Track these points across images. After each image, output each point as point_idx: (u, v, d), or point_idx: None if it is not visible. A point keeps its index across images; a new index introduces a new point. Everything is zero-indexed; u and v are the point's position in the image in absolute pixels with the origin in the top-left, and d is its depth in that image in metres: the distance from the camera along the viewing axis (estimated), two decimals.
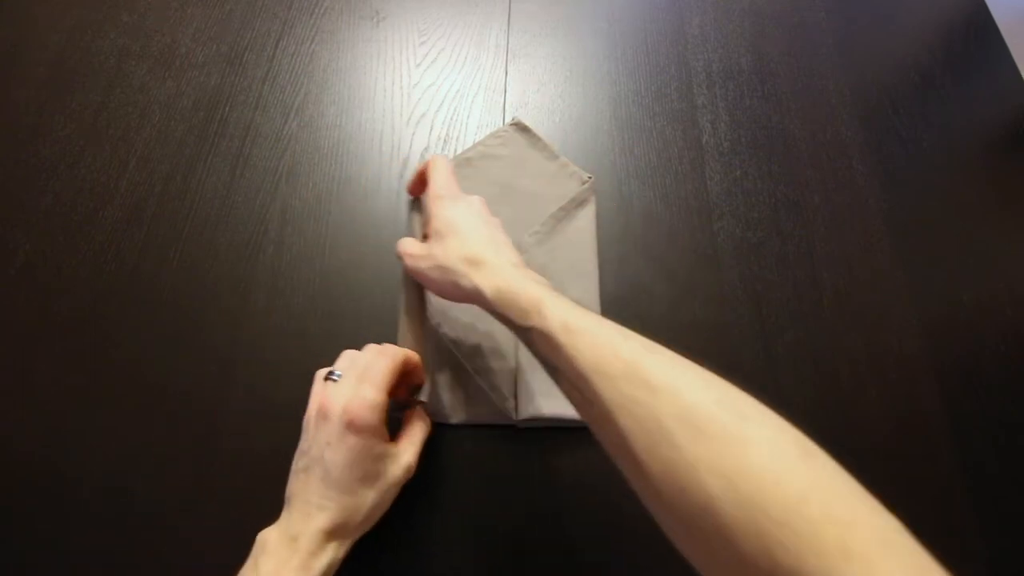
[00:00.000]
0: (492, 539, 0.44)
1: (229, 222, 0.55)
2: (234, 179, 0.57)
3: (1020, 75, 0.67)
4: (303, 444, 0.37)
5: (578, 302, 0.51)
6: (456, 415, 0.47)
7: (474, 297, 0.36)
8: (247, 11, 0.67)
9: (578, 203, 0.56)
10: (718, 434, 0.24)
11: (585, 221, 0.55)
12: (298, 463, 0.36)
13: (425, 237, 0.42)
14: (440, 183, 0.43)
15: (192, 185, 0.56)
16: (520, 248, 0.52)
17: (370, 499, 0.35)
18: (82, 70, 0.62)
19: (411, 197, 0.55)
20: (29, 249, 0.53)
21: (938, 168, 0.61)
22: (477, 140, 0.60)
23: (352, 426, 0.34)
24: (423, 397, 0.42)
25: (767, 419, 0.26)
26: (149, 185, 0.56)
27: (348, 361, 0.39)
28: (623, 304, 0.52)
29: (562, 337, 0.30)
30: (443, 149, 0.59)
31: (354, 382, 0.36)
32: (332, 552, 0.33)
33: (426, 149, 0.59)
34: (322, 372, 0.39)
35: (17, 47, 0.63)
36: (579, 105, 0.63)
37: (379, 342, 0.40)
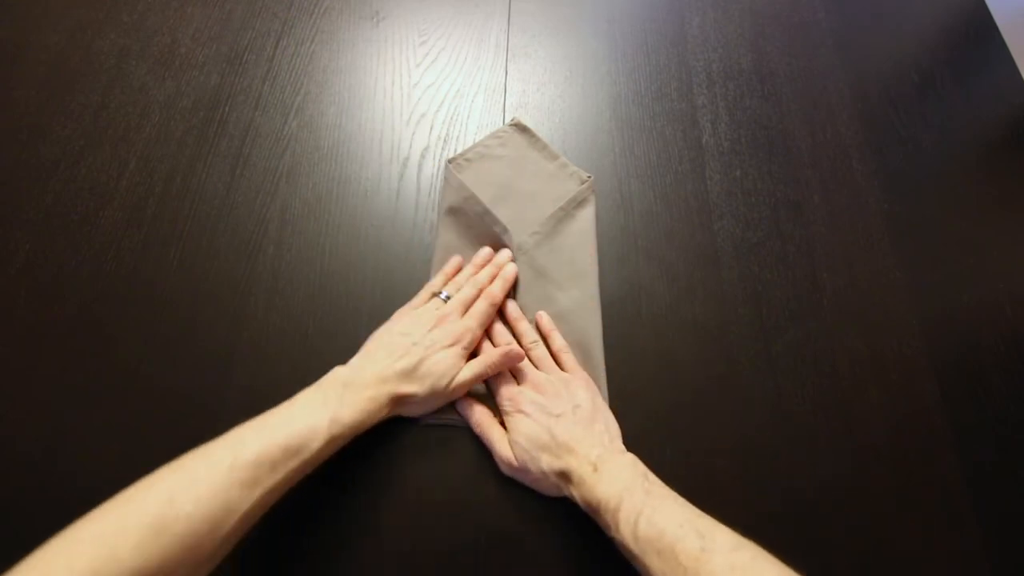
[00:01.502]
0: (495, 536, 0.44)
1: (229, 222, 0.55)
2: (234, 179, 0.57)
3: (1020, 75, 0.67)
4: (405, 328, 0.46)
5: (578, 302, 0.51)
6: (460, 417, 0.47)
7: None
8: (247, 11, 0.67)
9: (578, 203, 0.56)
10: None
11: (585, 222, 0.55)
12: (396, 340, 0.45)
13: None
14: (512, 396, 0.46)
15: (192, 185, 0.56)
16: (520, 249, 0.52)
17: (425, 393, 0.44)
18: (82, 70, 0.62)
19: (444, 207, 0.55)
20: (29, 249, 0.53)
21: (938, 168, 0.61)
22: (477, 140, 0.60)
23: (455, 345, 0.45)
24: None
25: None
26: (149, 185, 0.56)
27: (454, 287, 0.50)
28: (623, 304, 0.52)
29: (633, 547, 0.35)
30: (443, 149, 0.59)
31: (461, 310, 0.48)
32: (386, 412, 0.42)
33: (426, 149, 0.59)
34: (432, 286, 0.50)
35: (17, 47, 0.63)
36: (579, 105, 0.63)
37: None
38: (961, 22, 0.72)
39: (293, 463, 0.36)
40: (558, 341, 0.49)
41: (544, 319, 0.51)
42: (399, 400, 0.43)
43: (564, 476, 0.41)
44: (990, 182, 0.61)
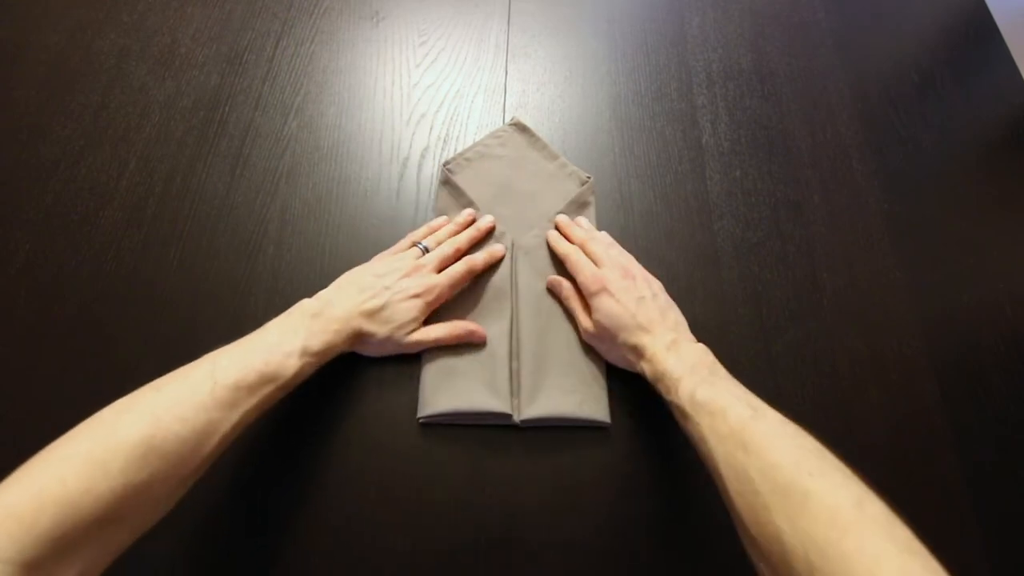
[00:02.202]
0: (495, 536, 0.44)
1: (229, 222, 0.55)
2: (234, 179, 0.57)
3: (1020, 75, 0.67)
4: (380, 269, 0.48)
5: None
6: (457, 407, 0.46)
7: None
8: (247, 11, 0.67)
9: (578, 205, 0.56)
10: (788, 486, 0.31)
11: (585, 225, 0.55)
12: (370, 279, 0.47)
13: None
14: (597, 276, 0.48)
15: (192, 185, 0.56)
16: (521, 250, 0.52)
17: (383, 336, 0.46)
18: (82, 70, 0.62)
19: (443, 172, 0.57)
20: (29, 249, 0.53)
21: (938, 168, 0.61)
22: (477, 140, 0.60)
23: (420, 298, 0.47)
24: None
25: (832, 475, 0.32)
26: (149, 185, 0.56)
27: (433, 241, 0.51)
28: None
29: (688, 408, 0.38)
30: (443, 149, 0.59)
31: (437, 265, 0.49)
32: (346, 345, 0.45)
33: (426, 149, 0.59)
34: (414, 235, 0.52)
35: (17, 47, 0.63)
36: (579, 105, 0.63)
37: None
38: (961, 22, 0.72)
39: (268, 388, 0.39)
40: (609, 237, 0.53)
41: (584, 221, 0.54)
42: (359, 336, 0.45)
43: (638, 351, 0.44)
44: (990, 182, 0.61)
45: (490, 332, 0.50)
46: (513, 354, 0.49)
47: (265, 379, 0.39)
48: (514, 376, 0.48)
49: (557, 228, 0.54)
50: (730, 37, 0.69)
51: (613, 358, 0.48)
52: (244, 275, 0.52)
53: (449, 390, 0.47)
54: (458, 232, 0.53)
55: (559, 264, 0.52)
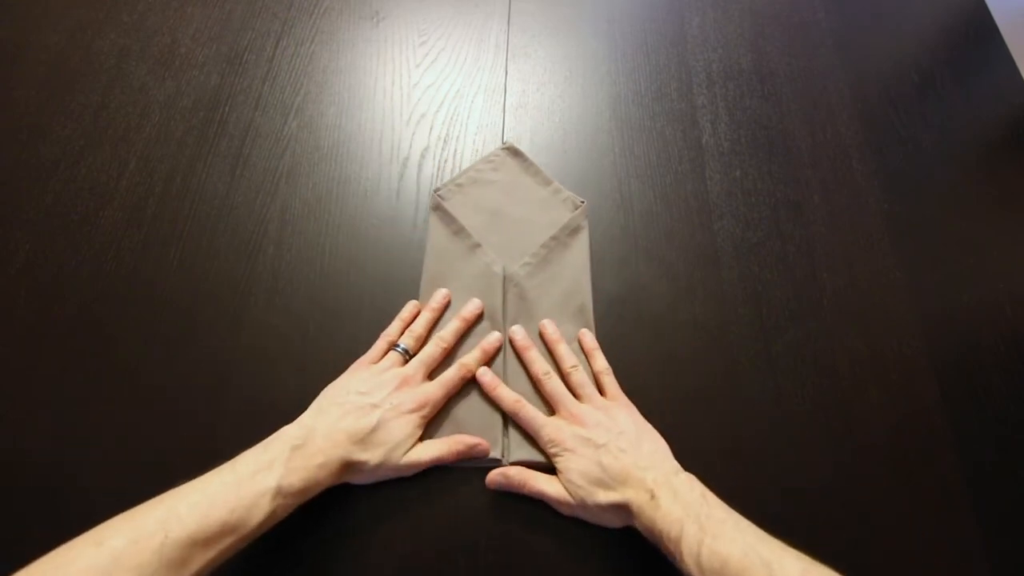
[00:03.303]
0: (501, 544, 0.44)
1: (229, 222, 0.55)
2: (234, 179, 0.57)
3: (1020, 75, 0.67)
4: (362, 385, 0.43)
5: (571, 337, 0.50)
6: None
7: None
8: (247, 11, 0.67)
9: (570, 230, 0.54)
10: None
11: (578, 251, 0.54)
12: (353, 399, 0.42)
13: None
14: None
15: (192, 185, 0.56)
16: (511, 280, 0.51)
17: (377, 462, 0.41)
18: (82, 70, 0.62)
19: (434, 198, 0.55)
20: (29, 249, 0.53)
21: (938, 168, 0.61)
22: (476, 140, 0.60)
23: (416, 413, 0.43)
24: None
25: None
26: (149, 185, 0.56)
27: (412, 340, 0.47)
28: (623, 304, 0.52)
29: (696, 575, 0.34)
30: (443, 149, 0.59)
31: (425, 372, 0.46)
32: (334, 479, 0.40)
33: (426, 149, 0.59)
34: (389, 336, 0.48)
35: (17, 47, 0.63)
36: (579, 105, 0.63)
37: None
38: (961, 22, 0.72)
39: (229, 539, 0.34)
40: (600, 362, 0.48)
41: (587, 337, 0.49)
42: (348, 467, 0.40)
43: (623, 508, 0.39)
44: (990, 182, 0.61)
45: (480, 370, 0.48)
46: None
47: (227, 530, 0.33)
48: (505, 415, 0.47)
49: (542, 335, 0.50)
50: (730, 37, 0.69)
51: (607, 521, 0.42)
52: (244, 275, 0.52)
53: (440, 435, 0.46)
54: (435, 318, 0.49)
55: (553, 301, 0.51)
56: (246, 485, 0.35)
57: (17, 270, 0.52)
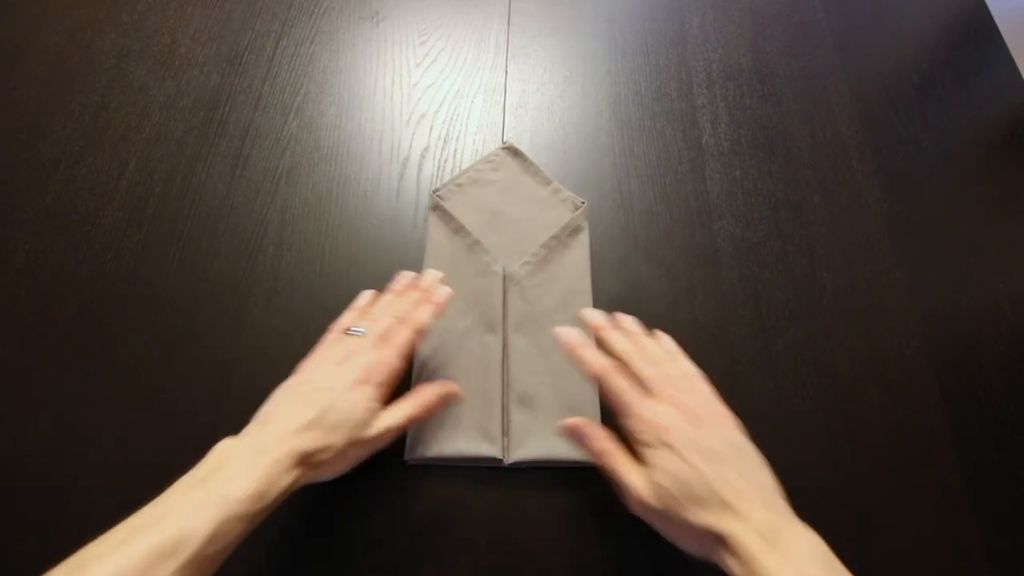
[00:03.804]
0: (500, 543, 0.44)
1: (229, 222, 0.55)
2: (234, 179, 0.57)
3: (1020, 75, 0.67)
4: (306, 376, 0.39)
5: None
6: (445, 452, 0.45)
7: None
8: (247, 11, 0.67)
9: (570, 230, 0.54)
10: None
11: (578, 251, 0.54)
12: (295, 389, 0.39)
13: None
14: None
15: (192, 185, 0.56)
16: (511, 279, 0.51)
17: (341, 445, 0.36)
18: (82, 70, 0.62)
19: (433, 198, 0.54)
20: (29, 249, 0.53)
21: (938, 168, 0.61)
22: (475, 140, 0.60)
23: (368, 383, 0.38)
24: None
25: None
26: (149, 185, 0.56)
27: (369, 321, 0.43)
28: (623, 304, 0.52)
29: None
30: (443, 149, 0.59)
31: (376, 342, 0.41)
32: (294, 476, 0.34)
33: (426, 149, 0.59)
34: (341, 325, 0.43)
35: (17, 47, 0.63)
36: (579, 105, 0.63)
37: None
38: (961, 22, 0.72)
39: (169, 566, 0.28)
40: (668, 341, 0.42)
41: (665, 339, 0.43)
42: (307, 458, 0.35)
43: (719, 540, 0.32)
44: (990, 182, 0.61)
45: (481, 370, 0.48)
46: (504, 392, 0.47)
47: (161, 556, 0.28)
48: (504, 414, 0.47)
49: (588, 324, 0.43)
50: (730, 37, 0.69)
51: (683, 541, 0.35)
52: (244, 275, 0.52)
53: (438, 432, 0.45)
54: (396, 300, 0.45)
55: (553, 301, 0.50)
56: (174, 509, 0.31)
57: (17, 270, 0.52)
